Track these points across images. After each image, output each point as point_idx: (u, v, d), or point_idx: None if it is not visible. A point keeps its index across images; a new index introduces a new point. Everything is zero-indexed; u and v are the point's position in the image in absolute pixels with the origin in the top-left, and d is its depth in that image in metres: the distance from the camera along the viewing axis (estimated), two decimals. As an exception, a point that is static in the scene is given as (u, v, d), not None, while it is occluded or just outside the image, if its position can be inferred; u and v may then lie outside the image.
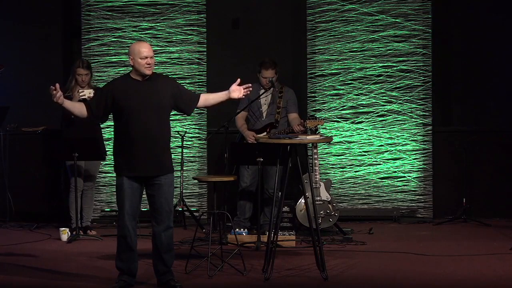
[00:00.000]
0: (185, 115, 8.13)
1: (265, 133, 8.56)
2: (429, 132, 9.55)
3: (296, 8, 9.75)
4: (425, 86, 9.52)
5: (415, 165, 9.54)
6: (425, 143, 9.54)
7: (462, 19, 9.74)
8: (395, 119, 9.54)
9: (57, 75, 9.65)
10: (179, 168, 9.14)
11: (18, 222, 9.19)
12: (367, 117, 9.55)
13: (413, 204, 9.55)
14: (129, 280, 6.23)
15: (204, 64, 9.56)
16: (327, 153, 9.57)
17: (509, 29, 9.62)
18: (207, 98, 6.36)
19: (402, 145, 9.54)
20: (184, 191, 9.28)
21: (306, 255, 7.36)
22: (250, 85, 6.36)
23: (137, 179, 6.14)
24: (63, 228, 8.39)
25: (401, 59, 9.53)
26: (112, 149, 6.30)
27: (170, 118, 9.06)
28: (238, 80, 6.33)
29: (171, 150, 9.44)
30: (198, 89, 9.51)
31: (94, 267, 7.02)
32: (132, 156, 6.10)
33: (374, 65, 9.55)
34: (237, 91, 6.30)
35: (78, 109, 6.24)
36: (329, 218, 8.44)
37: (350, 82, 9.56)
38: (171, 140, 6.31)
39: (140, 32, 9.52)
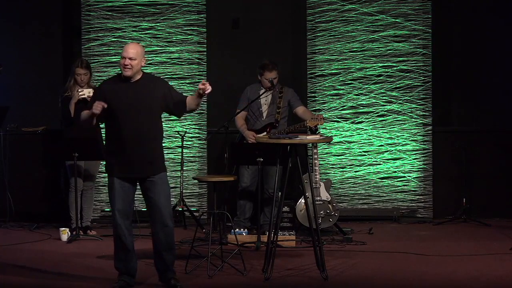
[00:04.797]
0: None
1: (265, 133, 8.56)
2: (429, 132, 9.55)
3: (296, 8, 9.75)
4: (425, 86, 9.52)
5: (415, 165, 9.54)
6: (425, 143, 9.54)
7: (462, 19, 9.74)
8: (395, 119, 9.54)
9: (57, 75, 9.67)
10: (179, 168, 9.15)
11: (18, 222, 9.18)
12: (367, 117, 9.55)
13: (413, 204, 9.55)
14: (128, 280, 6.23)
15: (204, 64, 9.56)
16: (327, 153, 9.57)
17: (509, 29, 9.62)
18: (189, 101, 6.22)
19: (402, 145, 9.54)
20: (184, 191, 9.28)
21: (306, 255, 7.36)
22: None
23: (128, 179, 6.15)
24: (63, 228, 8.39)
25: (401, 59, 9.53)
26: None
27: (170, 119, 9.10)
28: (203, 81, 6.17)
29: (171, 150, 9.45)
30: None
31: (94, 267, 7.02)
32: (122, 157, 6.11)
33: (374, 65, 9.55)
34: (201, 85, 6.08)
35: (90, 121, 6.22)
36: (329, 218, 8.44)
37: (350, 82, 9.56)
38: (167, 140, 6.30)
39: (140, 32, 9.52)
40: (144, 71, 6.26)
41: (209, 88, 6.09)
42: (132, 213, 6.25)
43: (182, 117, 9.31)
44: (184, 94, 6.37)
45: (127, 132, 6.08)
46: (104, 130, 8.85)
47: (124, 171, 6.13)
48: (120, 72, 6.23)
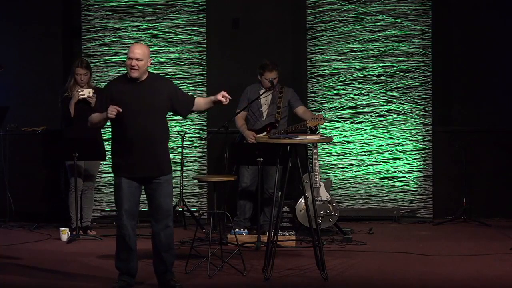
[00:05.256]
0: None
1: (265, 133, 8.56)
2: (429, 132, 9.55)
3: (296, 8, 9.75)
4: (425, 86, 9.52)
5: (415, 165, 9.54)
6: (425, 143, 9.54)
7: (462, 19, 9.74)
8: (395, 119, 9.54)
9: (57, 75, 9.67)
10: (179, 168, 9.15)
11: (18, 222, 9.18)
12: (367, 117, 9.55)
13: (413, 204, 9.55)
14: (129, 280, 6.22)
15: (204, 64, 9.56)
16: (327, 153, 9.57)
17: (509, 29, 9.62)
18: (199, 102, 6.32)
19: (402, 145, 9.54)
20: (184, 191, 9.28)
21: (306, 255, 7.36)
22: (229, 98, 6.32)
23: (135, 179, 6.15)
24: (63, 228, 8.39)
25: (401, 59, 9.53)
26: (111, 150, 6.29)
27: (171, 119, 9.08)
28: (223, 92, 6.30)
29: (171, 150, 9.42)
30: (198, 89, 9.51)
31: (94, 267, 7.02)
32: (130, 157, 6.10)
33: (374, 65, 9.55)
34: (221, 96, 6.22)
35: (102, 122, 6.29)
36: (329, 218, 8.44)
37: (350, 82, 9.56)
38: (169, 140, 6.32)
39: (140, 32, 9.52)
40: (149, 71, 6.27)
41: (227, 102, 6.21)
42: (138, 213, 6.25)
43: (181, 118, 9.37)
44: (190, 96, 6.39)
45: (133, 132, 6.08)
46: (104, 130, 8.92)
47: (132, 171, 6.11)
48: (125, 72, 6.24)
